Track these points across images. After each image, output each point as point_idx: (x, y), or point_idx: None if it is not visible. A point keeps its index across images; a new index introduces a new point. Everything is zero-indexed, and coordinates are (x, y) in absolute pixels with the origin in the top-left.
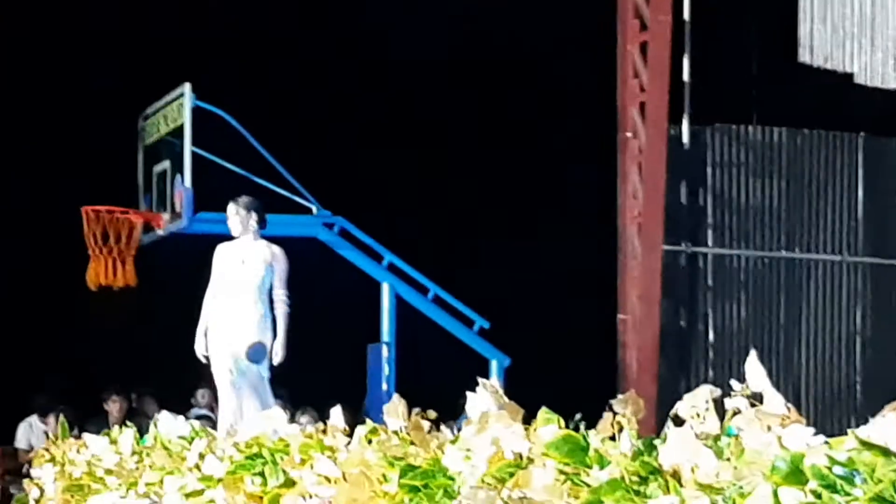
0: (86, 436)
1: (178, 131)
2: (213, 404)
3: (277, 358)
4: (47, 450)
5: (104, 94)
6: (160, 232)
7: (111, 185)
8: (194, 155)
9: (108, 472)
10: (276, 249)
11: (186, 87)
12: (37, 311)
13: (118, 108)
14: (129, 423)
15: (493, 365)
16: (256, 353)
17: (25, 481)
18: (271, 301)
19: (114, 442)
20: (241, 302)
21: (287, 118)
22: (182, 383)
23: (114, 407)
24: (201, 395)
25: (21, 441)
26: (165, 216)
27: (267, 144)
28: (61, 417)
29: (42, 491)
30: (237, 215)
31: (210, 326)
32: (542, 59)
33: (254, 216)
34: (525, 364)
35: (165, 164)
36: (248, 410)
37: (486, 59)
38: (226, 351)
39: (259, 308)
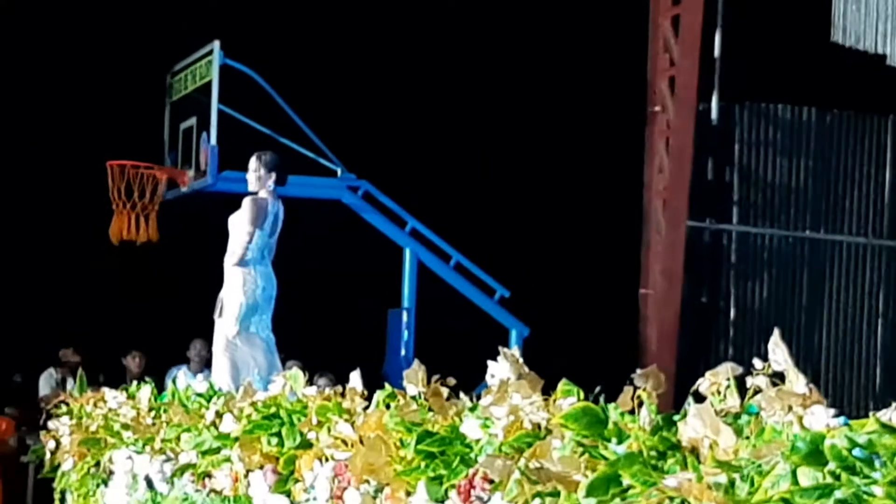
0: (104, 390)
1: (206, 88)
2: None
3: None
4: (65, 402)
5: (133, 49)
6: (184, 189)
7: (137, 141)
8: (221, 113)
9: (125, 426)
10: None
11: (215, 45)
12: (59, 265)
13: (146, 64)
14: (146, 378)
15: (513, 334)
16: (218, 308)
17: (42, 433)
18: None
19: (131, 397)
20: (227, 266)
21: (315, 79)
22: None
23: (132, 363)
24: (195, 348)
25: (44, 389)
26: (190, 173)
27: (294, 105)
28: (79, 371)
29: (58, 443)
30: (255, 172)
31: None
32: (572, 30)
33: (272, 176)
34: (544, 335)
35: (192, 121)
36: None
37: (517, 29)
38: (221, 315)
39: (239, 271)
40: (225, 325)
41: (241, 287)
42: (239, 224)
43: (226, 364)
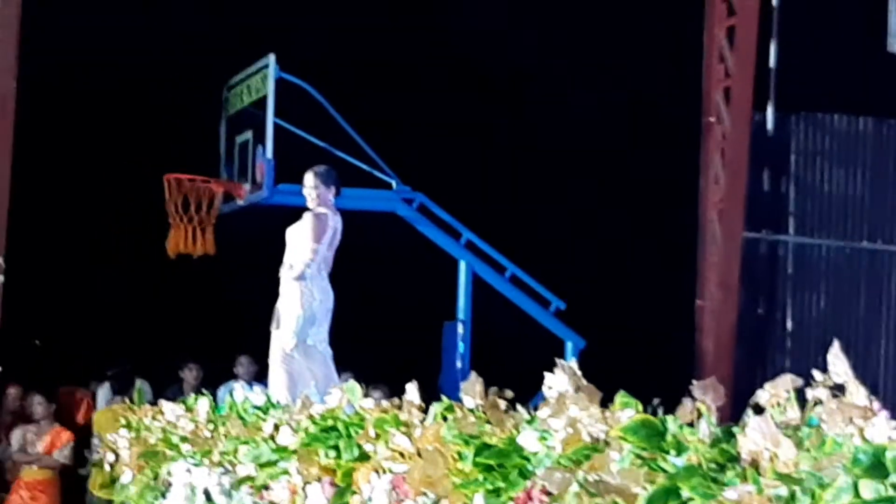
0: (162, 402)
1: (262, 102)
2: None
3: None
4: (124, 416)
5: (190, 64)
6: (240, 202)
7: (194, 155)
8: (276, 126)
9: (184, 439)
10: (310, 214)
11: (271, 59)
12: (116, 277)
13: (203, 78)
14: (204, 391)
15: (568, 346)
16: (276, 320)
17: (101, 446)
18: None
19: (189, 409)
20: (285, 278)
21: (369, 92)
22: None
23: (189, 375)
24: (242, 364)
25: (101, 406)
26: (246, 186)
27: (348, 118)
28: (137, 383)
29: (117, 456)
30: (314, 188)
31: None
32: (628, 42)
33: (332, 190)
34: (600, 347)
35: (248, 135)
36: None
37: (574, 40)
38: (278, 327)
39: (296, 284)
40: (282, 338)
41: (299, 299)
42: (301, 239)
43: (283, 376)
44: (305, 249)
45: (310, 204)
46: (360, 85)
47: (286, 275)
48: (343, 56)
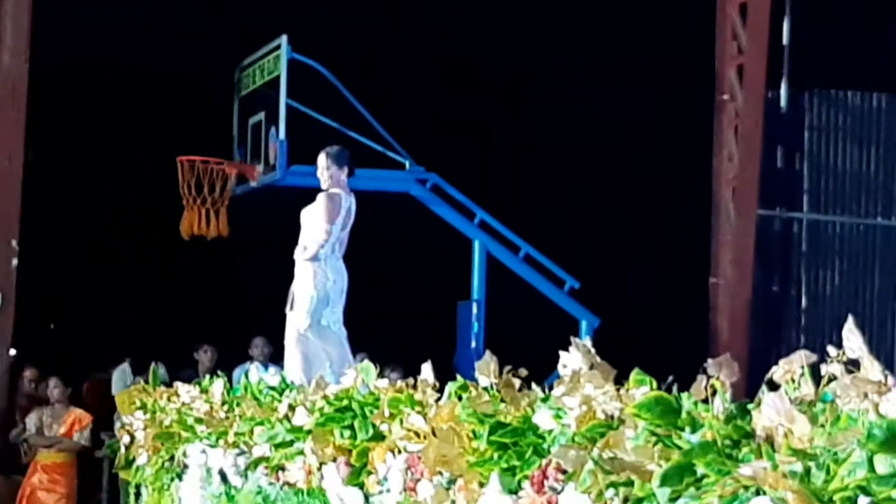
0: (177, 384)
1: (274, 83)
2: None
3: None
4: (140, 398)
5: (202, 46)
6: (253, 184)
7: (206, 137)
8: (289, 107)
9: (199, 420)
10: (323, 194)
11: (283, 40)
12: (130, 260)
13: (215, 60)
14: (219, 372)
15: (583, 325)
16: (291, 301)
17: (117, 427)
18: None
19: (204, 391)
20: (298, 260)
21: (382, 73)
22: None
23: (204, 357)
24: (257, 346)
25: (117, 387)
26: (259, 168)
27: (361, 98)
28: (152, 365)
29: (133, 437)
30: (326, 169)
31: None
32: (640, 20)
33: (345, 170)
34: (614, 326)
35: (260, 116)
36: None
37: (585, 20)
38: (293, 308)
39: (310, 265)
40: (296, 319)
41: (313, 280)
42: (314, 220)
43: (298, 357)
44: (319, 230)
45: (323, 185)
46: (373, 65)
47: (300, 256)
48: (355, 36)
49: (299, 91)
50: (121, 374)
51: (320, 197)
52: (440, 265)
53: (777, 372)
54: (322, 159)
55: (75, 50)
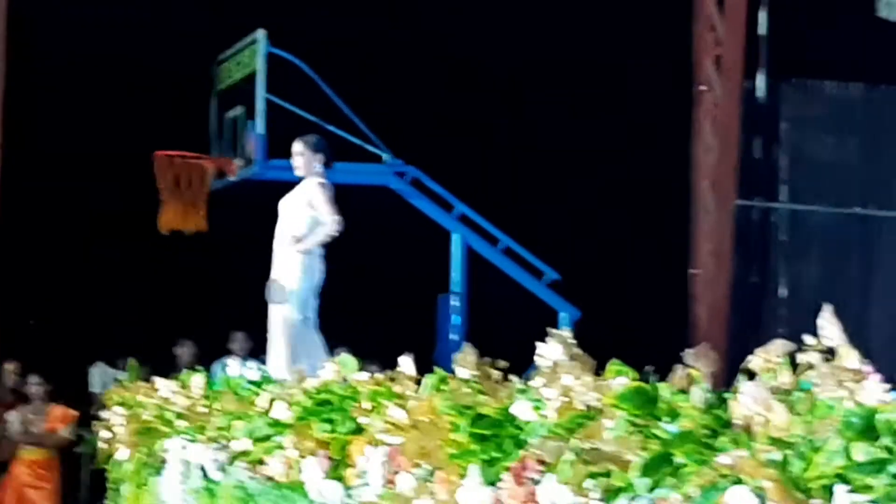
0: (156, 379)
1: (252, 77)
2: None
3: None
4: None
5: (179, 40)
6: (232, 178)
7: (184, 131)
8: (267, 101)
9: (178, 415)
10: (312, 183)
11: (260, 34)
12: (109, 255)
13: (192, 54)
14: (198, 367)
15: (563, 317)
16: (275, 293)
17: (95, 423)
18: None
19: (184, 386)
20: (280, 248)
21: (360, 66)
22: (251, 331)
23: (184, 352)
24: (237, 340)
25: (96, 385)
26: (237, 162)
27: (339, 92)
28: (131, 360)
29: (112, 433)
30: (301, 155)
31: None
32: (617, 10)
33: (320, 157)
34: (594, 317)
35: (238, 111)
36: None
37: (562, 9)
38: (272, 299)
39: (300, 256)
40: (285, 310)
41: (304, 272)
42: (297, 209)
43: (285, 348)
44: (325, 222)
45: (297, 172)
46: (351, 59)
47: (287, 246)
48: (333, 29)
49: (277, 85)
50: (100, 372)
51: (309, 185)
52: (420, 258)
53: (754, 361)
54: (297, 145)
55: (51, 45)
